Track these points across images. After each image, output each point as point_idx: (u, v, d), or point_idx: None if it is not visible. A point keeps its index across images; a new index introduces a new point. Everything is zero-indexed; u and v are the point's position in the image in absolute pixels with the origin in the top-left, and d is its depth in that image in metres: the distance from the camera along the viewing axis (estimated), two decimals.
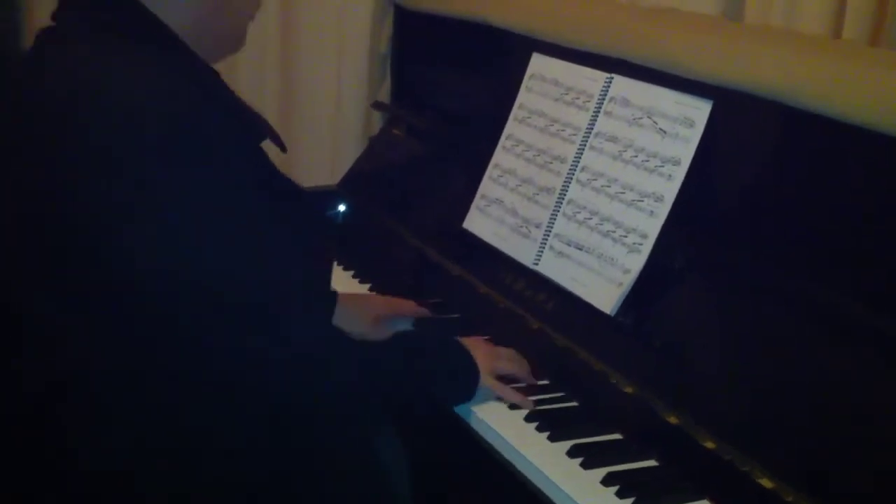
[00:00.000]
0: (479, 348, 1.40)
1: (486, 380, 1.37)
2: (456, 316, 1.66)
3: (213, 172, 1.07)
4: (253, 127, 1.21)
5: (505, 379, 1.41)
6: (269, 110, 2.54)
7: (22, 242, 1.11)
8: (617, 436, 1.33)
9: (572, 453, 1.27)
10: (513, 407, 1.38)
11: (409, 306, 1.65)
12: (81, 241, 1.07)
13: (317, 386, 1.18)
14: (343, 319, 1.50)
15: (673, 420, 1.27)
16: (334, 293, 1.47)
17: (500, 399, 1.39)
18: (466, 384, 1.36)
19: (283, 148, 1.26)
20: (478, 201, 1.73)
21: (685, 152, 1.40)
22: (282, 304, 1.13)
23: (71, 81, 1.08)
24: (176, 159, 1.04)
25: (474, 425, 1.37)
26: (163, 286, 1.07)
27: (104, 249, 1.06)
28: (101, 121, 1.05)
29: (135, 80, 1.07)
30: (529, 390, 1.42)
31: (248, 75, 2.49)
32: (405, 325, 1.61)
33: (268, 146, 1.24)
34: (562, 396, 1.42)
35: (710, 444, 1.22)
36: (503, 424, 1.34)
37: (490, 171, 1.72)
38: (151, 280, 1.06)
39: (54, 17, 1.19)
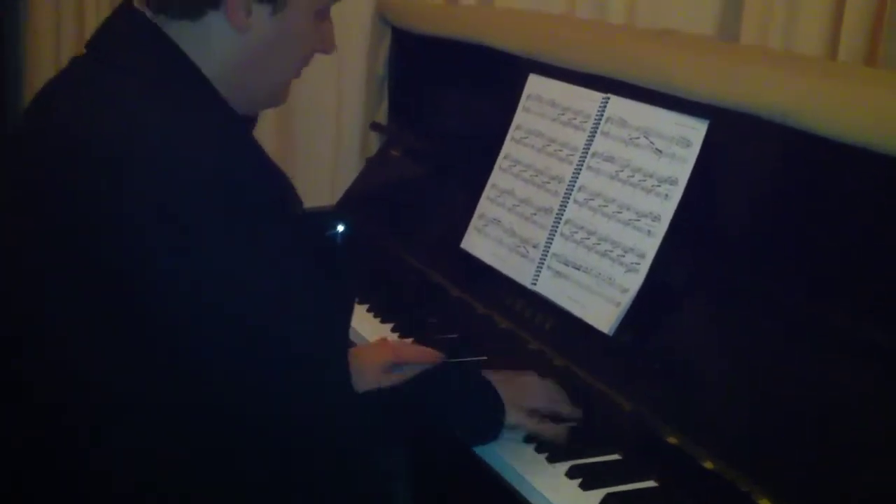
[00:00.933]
0: (508, 384, 1.34)
1: (514, 417, 1.31)
2: (483, 358, 1.58)
3: (257, 229, 1.06)
4: (279, 181, 1.19)
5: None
6: (268, 131, 2.55)
7: (61, 282, 1.09)
8: (616, 456, 1.32)
9: (571, 474, 1.27)
10: (511, 427, 1.37)
11: (418, 353, 1.54)
12: (124, 286, 1.05)
13: (339, 440, 1.17)
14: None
15: (672, 440, 1.27)
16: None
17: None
18: (491, 426, 1.31)
19: (300, 205, 1.23)
20: (475, 221, 1.73)
21: (682, 172, 1.40)
22: (310, 363, 1.11)
23: (122, 133, 1.05)
24: (224, 216, 1.03)
25: (477, 451, 1.35)
26: (199, 340, 1.05)
27: (144, 295, 1.05)
28: (149, 176, 1.03)
29: (183, 136, 1.05)
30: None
31: None
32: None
33: None
34: (559, 417, 1.41)
35: (709, 465, 1.22)
36: (501, 444, 1.33)
37: (488, 192, 1.72)
38: (189, 331, 1.05)
39: (89, 45, 1.17)
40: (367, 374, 1.43)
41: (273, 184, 1.12)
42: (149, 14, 1.13)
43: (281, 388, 1.10)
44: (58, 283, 1.09)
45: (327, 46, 1.24)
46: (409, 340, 1.64)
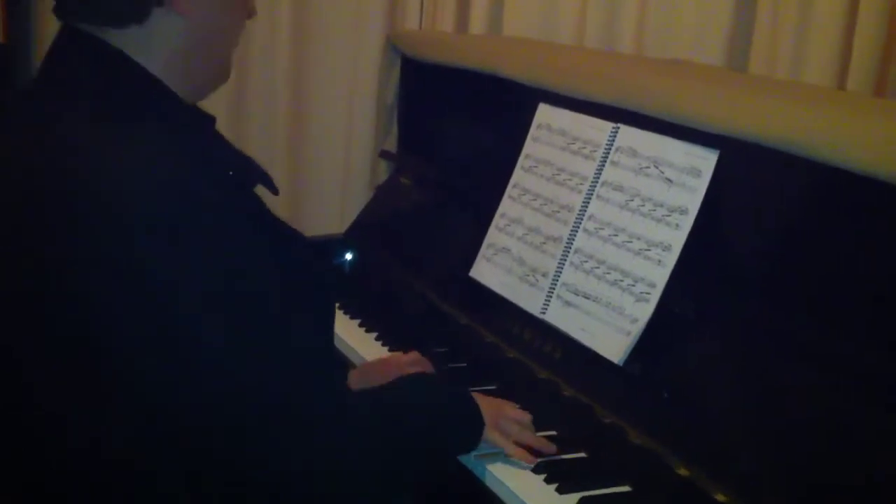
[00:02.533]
0: (485, 401, 1.37)
1: (490, 433, 1.34)
2: (492, 387, 1.58)
3: (217, 257, 1.04)
4: (246, 173, 1.19)
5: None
6: (278, 159, 2.56)
7: (21, 332, 1.08)
8: (626, 488, 1.31)
9: None
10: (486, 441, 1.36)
11: (415, 368, 1.56)
12: (80, 332, 1.03)
13: (327, 481, 1.14)
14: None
15: (683, 472, 1.26)
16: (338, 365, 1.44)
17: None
18: (472, 433, 1.33)
19: (274, 191, 1.22)
20: (485, 250, 1.73)
21: (692, 202, 1.40)
22: (288, 408, 1.08)
23: (62, 170, 1.04)
24: (176, 251, 1.01)
25: (480, 475, 1.35)
26: (168, 393, 1.03)
27: (101, 340, 1.03)
28: (92, 211, 1.01)
29: (129, 169, 1.02)
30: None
31: (258, 125, 2.51)
32: None
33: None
34: (569, 447, 1.40)
35: (721, 498, 1.20)
36: (510, 475, 1.33)
37: (497, 220, 1.72)
38: (158, 381, 1.03)
39: (40, 74, 1.15)
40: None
41: (235, 193, 1.10)
42: (94, 30, 1.12)
43: (264, 431, 1.07)
44: (19, 331, 1.07)
45: (252, 9, 1.25)
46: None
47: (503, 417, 1.38)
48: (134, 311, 1.01)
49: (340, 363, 1.57)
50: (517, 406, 1.44)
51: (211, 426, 1.06)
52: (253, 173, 1.21)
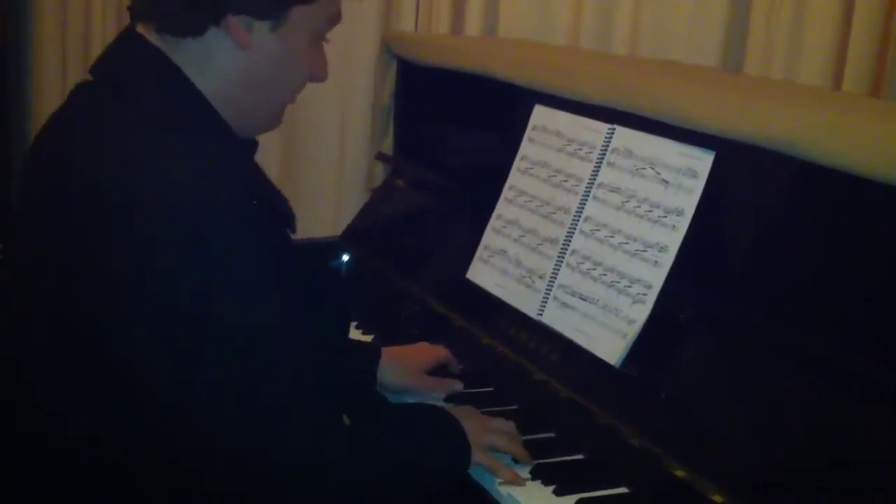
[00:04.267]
0: (470, 420, 1.34)
1: (476, 456, 1.30)
2: (489, 389, 1.59)
3: (237, 270, 1.05)
4: (278, 210, 1.20)
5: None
6: (274, 161, 2.56)
7: (34, 322, 1.10)
8: (623, 489, 1.31)
9: None
10: (517, 460, 1.36)
11: (444, 352, 1.64)
12: (90, 329, 1.05)
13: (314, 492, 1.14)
14: (388, 375, 1.54)
15: (680, 473, 1.26)
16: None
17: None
18: (458, 465, 1.30)
19: (293, 229, 1.23)
20: (481, 252, 1.72)
21: (688, 203, 1.40)
22: (283, 418, 1.09)
23: (108, 171, 1.06)
24: (196, 260, 1.03)
25: (478, 478, 1.35)
26: (168, 389, 1.05)
27: (110, 340, 1.05)
28: (128, 214, 1.03)
29: (170, 177, 1.04)
30: (535, 443, 1.40)
31: None
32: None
33: None
34: (567, 449, 1.40)
35: (718, 499, 1.20)
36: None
37: (493, 222, 1.72)
38: (157, 380, 1.05)
39: (92, 71, 1.17)
40: (405, 375, 1.56)
41: (259, 215, 1.11)
42: (152, 37, 1.14)
43: (256, 441, 1.07)
44: (36, 322, 1.10)
45: (321, 72, 1.24)
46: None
47: (488, 432, 1.35)
48: (145, 313, 1.02)
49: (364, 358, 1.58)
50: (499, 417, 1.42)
51: (201, 445, 1.06)
52: (277, 207, 1.20)
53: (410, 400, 1.56)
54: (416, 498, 1.25)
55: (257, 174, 1.21)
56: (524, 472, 1.33)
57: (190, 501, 1.10)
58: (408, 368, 1.58)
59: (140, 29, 1.15)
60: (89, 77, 1.18)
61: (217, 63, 1.14)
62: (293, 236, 1.25)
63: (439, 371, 1.63)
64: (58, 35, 2.78)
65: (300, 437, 1.10)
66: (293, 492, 1.10)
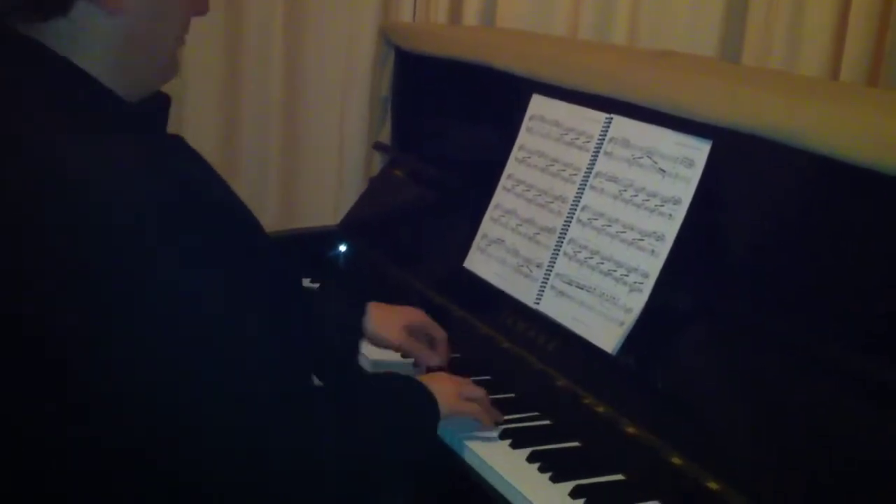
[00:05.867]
0: (438, 380, 1.36)
1: (453, 406, 1.33)
2: (486, 378, 1.57)
3: (174, 264, 1.01)
4: (202, 183, 1.14)
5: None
6: (272, 151, 2.56)
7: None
8: (619, 476, 1.31)
9: (574, 494, 1.26)
10: (515, 447, 1.36)
11: (435, 326, 1.62)
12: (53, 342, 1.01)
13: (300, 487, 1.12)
14: (373, 323, 1.55)
15: (676, 461, 1.26)
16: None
17: (502, 438, 1.38)
18: (429, 417, 1.30)
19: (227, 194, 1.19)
20: (478, 241, 1.73)
21: (685, 192, 1.40)
22: (259, 413, 1.06)
23: (36, 171, 1.00)
24: (136, 257, 0.99)
25: (473, 463, 1.36)
26: (138, 397, 1.02)
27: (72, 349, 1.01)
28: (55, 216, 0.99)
29: (97, 167, 1.00)
30: (533, 430, 1.41)
31: (252, 117, 2.51)
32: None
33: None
34: (564, 437, 1.41)
35: (714, 486, 1.21)
36: (504, 464, 1.33)
37: (491, 211, 1.73)
38: (122, 383, 1.02)
39: None
40: (390, 330, 1.56)
41: (196, 201, 1.06)
42: (20, 27, 1.08)
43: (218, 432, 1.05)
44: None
45: (201, 5, 1.19)
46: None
47: (460, 400, 1.37)
48: (86, 313, 0.99)
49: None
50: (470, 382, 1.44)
51: (169, 423, 1.04)
52: (213, 186, 1.16)
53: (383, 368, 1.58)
54: (402, 477, 1.26)
55: (178, 149, 1.16)
56: (522, 459, 1.34)
57: (170, 499, 1.10)
58: (393, 323, 1.57)
59: (6, 22, 1.08)
60: None
61: (92, 37, 1.08)
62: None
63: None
64: None
65: (275, 429, 1.08)
66: (271, 483, 1.08)
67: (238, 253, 1.11)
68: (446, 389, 1.34)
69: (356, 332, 1.57)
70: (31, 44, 1.07)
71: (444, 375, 1.44)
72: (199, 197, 1.07)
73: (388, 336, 1.57)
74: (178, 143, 1.19)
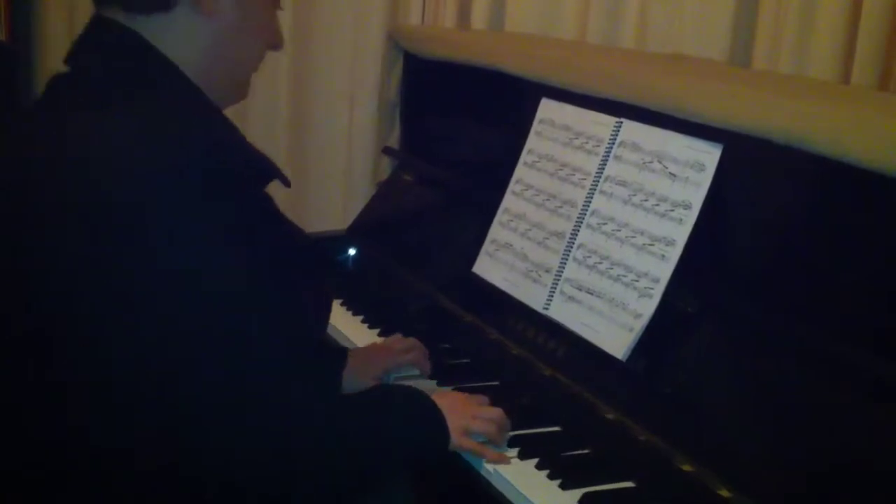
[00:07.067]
0: (452, 406, 1.32)
1: (457, 440, 1.30)
2: (495, 383, 1.56)
3: (186, 247, 1.04)
4: (260, 169, 1.20)
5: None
6: (281, 156, 2.55)
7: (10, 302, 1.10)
8: (629, 484, 1.30)
9: (584, 502, 1.25)
10: (522, 454, 1.36)
11: (410, 355, 1.60)
12: (53, 313, 1.06)
13: (281, 470, 1.14)
14: (349, 377, 1.49)
15: (686, 468, 1.25)
16: (326, 358, 1.43)
17: (511, 445, 1.37)
18: (435, 447, 1.30)
19: (286, 183, 1.24)
20: (487, 246, 1.72)
21: (696, 196, 1.39)
22: (258, 389, 1.09)
23: (78, 148, 1.06)
24: (145, 235, 1.02)
25: (482, 471, 1.35)
26: (140, 360, 1.05)
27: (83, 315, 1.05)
28: (72, 193, 1.04)
29: (138, 149, 1.04)
30: (542, 437, 1.40)
31: (260, 121, 2.51)
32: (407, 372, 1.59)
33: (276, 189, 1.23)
34: (573, 443, 1.40)
35: (724, 493, 1.20)
36: (513, 471, 1.32)
37: (500, 216, 1.72)
38: (127, 346, 1.04)
39: (67, 61, 1.18)
40: (365, 376, 1.53)
41: (228, 181, 1.10)
42: (121, 18, 1.15)
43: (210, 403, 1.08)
44: (10, 300, 1.10)
45: (278, 40, 1.29)
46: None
47: (474, 419, 1.34)
48: (100, 298, 1.03)
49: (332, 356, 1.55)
50: (486, 401, 1.40)
51: (170, 409, 1.07)
52: (268, 168, 1.21)
53: None
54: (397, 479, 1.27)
55: (233, 136, 1.20)
56: (511, 453, 1.33)
57: (168, 487, 1.11)
58: (366, 372, 1.54)
59: (108, 12, 1.16)
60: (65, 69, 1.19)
61: (186, 35, 1.16)
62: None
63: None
64: (63, 28, 2.79)
65: (271, 418, 1.10)
66: (259, 470, 1.11)
67: (254, 228, 1.13)
68: (456, 411, 1.32)
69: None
70: (132, 35, 1.14)
71: (456, 395, 1.41)
72: (219, 170, 1.09)
73: (359, 386, 1.50)
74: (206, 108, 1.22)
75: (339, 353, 1.56)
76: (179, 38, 1.16)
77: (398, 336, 1.66)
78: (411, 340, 1.63)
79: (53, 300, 1.06)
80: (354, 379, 1.51)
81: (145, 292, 1.03)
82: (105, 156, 1.04)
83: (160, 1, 1.14)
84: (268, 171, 1.21)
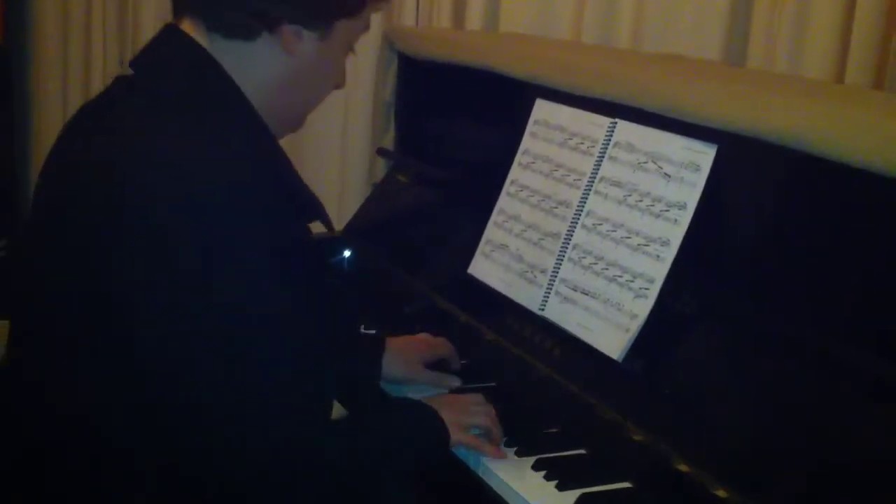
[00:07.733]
0: (448, 405, 1.35)
1: (457, 436, 1.32)
2: (491, 384, 1.58)
3: (239, 250, 1.07)
4: (306, 206, 1.24)
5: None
6: None
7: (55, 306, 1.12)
8: (626, 484, 1.30)
9: (581, 502, 1.25)
10: (520, 454, 1.36)
11: (444, 349, 1.64)
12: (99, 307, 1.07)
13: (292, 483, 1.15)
14: (389, 366, 1.55)
15: (683, 468, 1.25)
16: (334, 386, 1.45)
17: (508, 445, 1.37)
18: (436, 449, 1.32)
19: (330, 228, 1.29)
20: (483, 247, 1.72)
21: (691, 196, 1.39)
22: (275, 404, 1.11)
23: (140, 154, 1.08)
24: (198, 240, 1.04)
25: (479, 471, 1.35)
26: (165, 369, 1.06)
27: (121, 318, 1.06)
28: (155, 193, 1.05)
29: (200, 160, 1.06)
30: (537, 439, 1.40)
31: None
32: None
33: None
34: (569, 444, 1.40)
35: (722, 494, 1.20)
36: (509, 472, 1.32)
37: (495, 217, 1.72)
38: (159, 355, 1.06)
39: (132, 64, 1.20)
40: (405, 366, 1.57)
41: (276, 204, 1.13)
42: (197, 34, 1.16)
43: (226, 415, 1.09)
44: (54, 297, 1.12)
45: (343, 80, 1.31)
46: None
47: (468, 413, 1.36)
48: (146, 294, 1.05)
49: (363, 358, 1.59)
50: (480, 399, 1.42)
51: (190, 413, 1.08)
52: (315, 207, 1.26)
53: (409, 392, 1.56)
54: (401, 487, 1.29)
55: (286, 166, 1.24)
56: (528, 467, 1.33)
57: (175, 483, 1.11)
58: (408, 360, 1.59)
59: (185, 25, 1.17)
60: (129, 71, 1.20)
61: (260, 66, 1.18)
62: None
63: (440, 366, 1.62)
64: (58, 29, 2.78)
65: (278, 426, 1.11)
66: (266, 477, 1.11)
67: (291, 244, 1.16)
68: (452, 410, 1.34)
69: (377, 374, 1.57)
70: (203, 53, 1.16)
71: (447, 397, 1.43)
72: (266, 180, 1.12)
73: (403, 375, 1.57)
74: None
75: (377, 341, 1.60)
76: (253, 67, 1.17)
77: (426, 334, 1.67)
78: (441, 338, 1.65)
79: (93, 298, 1.07)
80: (393, 366, 1.57)
81: (184, 297, 1.04)
82: (165, 161, 1.05)
83: (245, 30, 1.15)
84: (314, 208, 1.24)
